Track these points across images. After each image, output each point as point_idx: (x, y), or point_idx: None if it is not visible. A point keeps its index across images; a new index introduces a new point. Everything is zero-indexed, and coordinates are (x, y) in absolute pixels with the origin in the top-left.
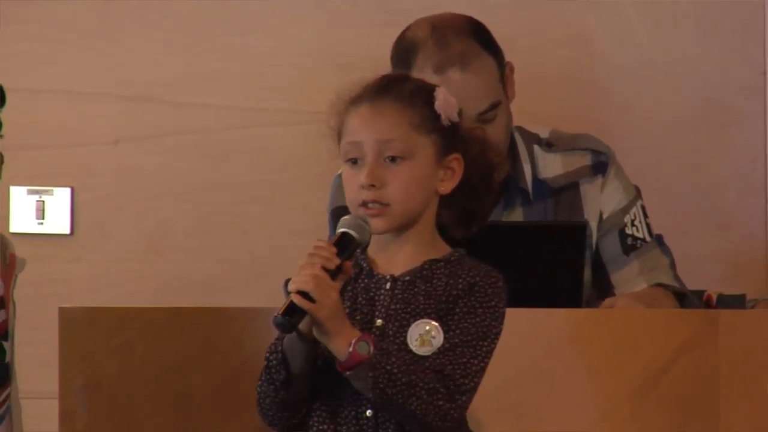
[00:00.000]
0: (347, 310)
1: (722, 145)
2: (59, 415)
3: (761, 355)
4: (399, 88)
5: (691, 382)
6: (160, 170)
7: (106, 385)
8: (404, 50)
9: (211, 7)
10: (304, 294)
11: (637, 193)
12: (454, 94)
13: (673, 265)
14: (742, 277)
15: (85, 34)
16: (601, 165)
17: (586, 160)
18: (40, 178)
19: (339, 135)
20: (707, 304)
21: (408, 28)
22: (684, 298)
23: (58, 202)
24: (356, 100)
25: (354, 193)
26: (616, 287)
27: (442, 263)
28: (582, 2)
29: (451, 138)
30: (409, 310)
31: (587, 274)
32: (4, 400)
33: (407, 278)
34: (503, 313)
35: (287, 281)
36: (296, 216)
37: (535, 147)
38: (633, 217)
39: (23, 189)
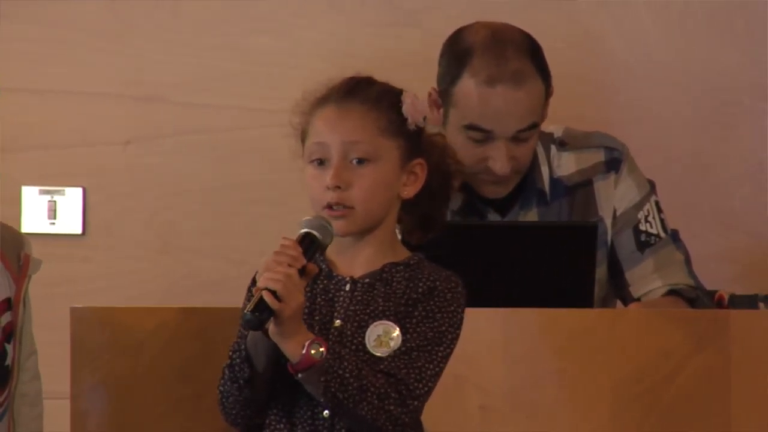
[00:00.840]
0: (306, 311)
1: (730, 145)
2: (71, 415)
3: None
4: (366, 90)
5: (703, 382)
6: (171, 170)
7: (118, 386)
8: (460, 51)
9: (222, 7)
10: (273, 293)
11: (651, 189)
12: (500, 107)
13: (688, 261)
14: (750, 276)
15: (96, 35)
16: (614, 161)
17: (600, 156)
18: (51, 178)
19: (303, 135)
20: (719, 304)
21: (465, 30)
22: (696, 302)
23: (70, 202)
24: (322, 101)
25: (318, 194)
26: (631, 285)
27: (401, 266)
28: (593, 2)
29: (415, 143)
30: (368, 311)
31: (603, 272)
32: (1, 403)
33: (367, 280)
34: (461, 319)
35: (254, 278)
36: (305, 216)
37: (552, 147)
38: (647, 213)
39: (35, 189)
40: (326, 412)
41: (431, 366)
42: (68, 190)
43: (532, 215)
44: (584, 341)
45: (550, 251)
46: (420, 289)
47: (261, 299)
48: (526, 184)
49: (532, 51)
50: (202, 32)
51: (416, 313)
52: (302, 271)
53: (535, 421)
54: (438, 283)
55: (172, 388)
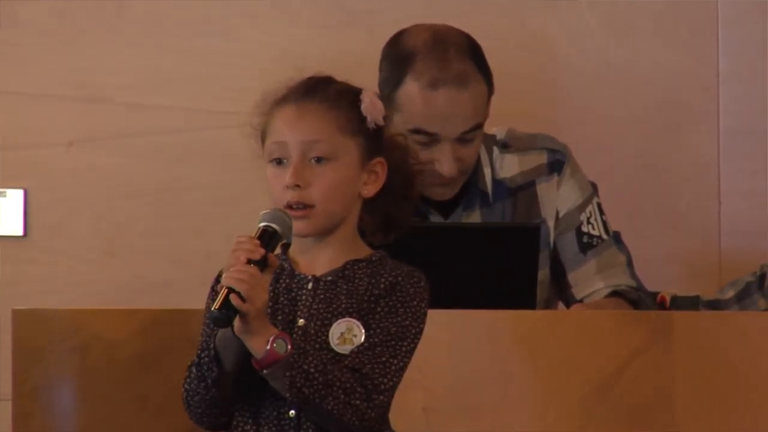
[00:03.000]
0: (269, 311)
1: (677, 146)
2: (12, 417)
3: (715, 356)
4: (325, 89)
5: (646, 382)
6: (116, 172)
7: (62, 387)
8: (401, 55)
9: (168, 8)
10: (237, 293)
11: (594, 191)
12: (444, 110)
13: (630, 263)
14: (695, 278)
15: (40, 35)
16: (557, 163)
17: (543, 158)
18: None
19: (263, 135)
20: (661, 305)
21: (406, 33)
22: (639, 303)
23: (12, 204)
24: (281, 101)
25: (278, 194)
26: (573, 286)
27: (363, 263)
28: (538, 4)
29: (375, 142)
30: (331, 309)
31: (545, 273)
32: None
33: (329, 278)
34: (425, 313)
35: (218, 276)
36: (254, 218)
37: (494, 149)
38: (589, 215)
39: None
40: (292, 411)
41: (395, 361)
42: (10, 191)
43: (474, 217)
44: (528, 343)
45: (492, 253)
46: (382, 285)
47: (227, 297)
48: (468, 185)
49: (473, 52)
50: (148, 33)
51: (379, 309)
52: (263, 264)
53: (479, 423)
54: (400, 278)
55: (117, 390)
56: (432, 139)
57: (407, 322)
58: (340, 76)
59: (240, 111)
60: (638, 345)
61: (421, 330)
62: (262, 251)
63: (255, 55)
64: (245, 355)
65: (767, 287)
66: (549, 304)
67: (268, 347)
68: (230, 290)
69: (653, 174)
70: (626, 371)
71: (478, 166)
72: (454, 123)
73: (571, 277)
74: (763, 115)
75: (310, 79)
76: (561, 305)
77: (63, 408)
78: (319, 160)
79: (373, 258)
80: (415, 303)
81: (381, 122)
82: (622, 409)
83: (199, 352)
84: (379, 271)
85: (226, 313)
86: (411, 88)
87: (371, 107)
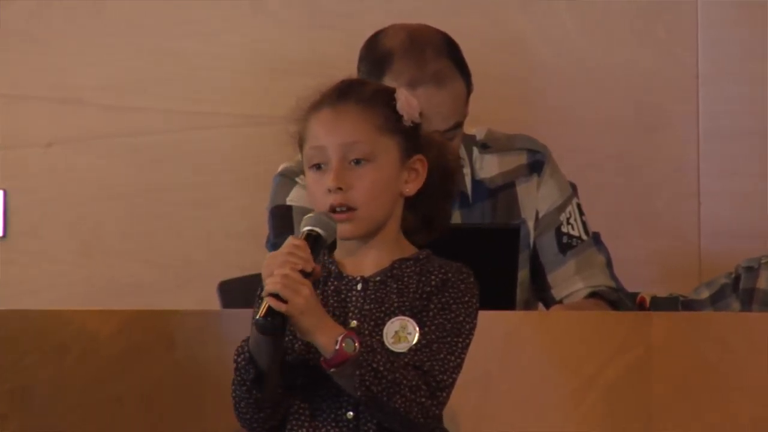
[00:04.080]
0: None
1: (655, 148)
2: None
3: (694, 358)
4: (359, 90)
5: (626, 383)
6: (94, 173)
7: (38, 389)
8: (378, 56)
9: (145, 10)
10: (275, 295)
11: (573, 192)
12: (423, 109)
13: (609, 263)
14: (674, 279)
15: (18, 37)
16: (537, 164)
17: (522, 159)
18: None
19: (301, 141)
20: (641, 306)
21: (383, 34)
22: (618, 304)
23: None
24: (317, 106)
25: (321, 199)
26: (553, 287)
27: (411, 262)
28: (515, 6)
29: (413, 139)
30: (383, 309)
31: (525, 274)
32: None
33: (378, 278)
34: (476, 309)
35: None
36: (232, 219)
37: (474, 149)
38: (569, 216)
39: None
40: (350, 413)
41: (453, 357)
42: None
43: (454, 218)
44: (507, 343)
45: (472, 253)
46: (433, 282)
47: (268, 304)
48: None
49: (450, 51)
50: (126, 35)
51: (432, 306)
52: (308, 275)
53: (458, 424)
54: (450, 274)
55: (94, 392)
56: None
57: (461, 318)
58: (317, 77)
59: (218, 112)
60: (618, 346)
61: (475, 325)
62: (314, 264)
63: (233, 57)
64: (280, 352)
65: (741, 289)
66: (529, 305)
67: (337, 347)
68: (271, 295)
69: (632, 175)
70: (606, 372)
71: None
72: (433, 122)
73: (551, 277)
74: (742, 117)
75: (343, 82)
76: (541, 306)
77: (40, 409)
78: (358, 161)
79: (420, 256)
80: (466, 299)
81: (418, 119)
82: (602, 410)
83: (235, 357)
84: (428, 268)
85: (272, 320)
86: None
87: (407, 105)
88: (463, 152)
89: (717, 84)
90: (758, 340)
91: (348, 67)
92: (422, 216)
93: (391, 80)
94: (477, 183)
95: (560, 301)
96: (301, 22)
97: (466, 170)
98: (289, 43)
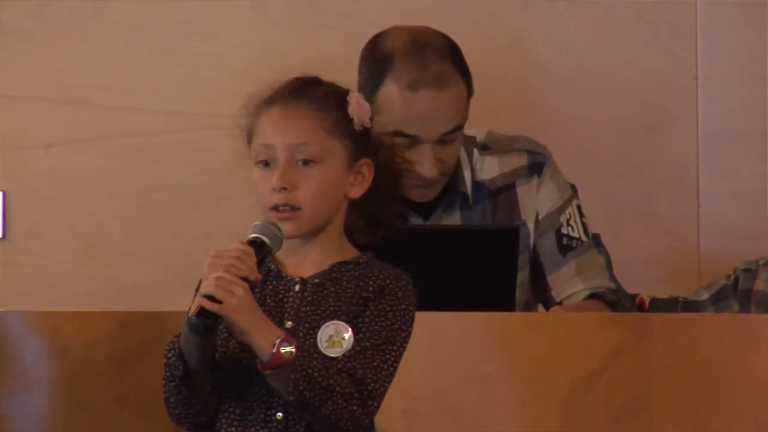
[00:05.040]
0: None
1: (655, 148)
2: None
3: (694, 359)
4: (312, 90)
5: (625, 385)
6: (95, 174)
7: (40, 390)
8: (380, 57)
9: (148, 10)
10: (210, 297)
11: (573, 193)
12: (424, 111)
13: (609, 265)
14: (674, 280)
15: (19, 37)
16: (537, 165)
17: (523, 160)
18: None
19: (250, 136)
20: (640, 307)
21: (385, 35)
22: (618, 305)
23: None
24: (268, 102)
25: (265, 196)
26: (552, 288)
27: (351, 265)
28: (517, 5)
29: (362, 143)
30: (319, 312)
31: (525, 275)
32: None
33: (316, 280)
34: (413, 317)
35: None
36: (234, 219)
37: (474, 151)
38: (569, 217)
39: None
40: (280, 414)
41: (386, 366)
42: None
43: (454, 219)
44: (507, 345)
45: (472, 255)
46: (371, 288)
47: (200, 304)
48: (448, 187)
49: (452, 53)
50: (127, 35)
51: (368, 313)
52: (247, 281)
53: (458, 425)
54: (389, 281)
55: (97, 393)
56: (412, 141)
57: (396, 326)
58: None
59: (219, 113)
60: (617, 347)
61: (410, 334)
62: (257, 274)
63: (234, 57)
64: (209, 350)
65: (740, 290)
66: (528, 306)
67: (274, 350)
68: (205, 297)
69: (632, 176)
70: (605, 373)
71: (457, 168)
72: (434, 124)
73: (551, 279)
74: (742, 117)
75: (296, 79)
76: (540, 307)
77: (41, 411)
78: (306, 162)
79: (361, 260)
80: (403, 306)
81: (368, 123)
82: (602, 411)
83: (165, 352)
84: (367, 273)
85: (204, 320)
86: (390, 91)
87: (358, 108)
88: (463, 153)
89: (717, 84)
90: (758, 341)
91: (348, 67)
92: (367, 217)
93: (392, 82)
94: (477, 184)
95: (560, 303)
96: (302, 22)
97: (466, 172)
98: (289, 43)
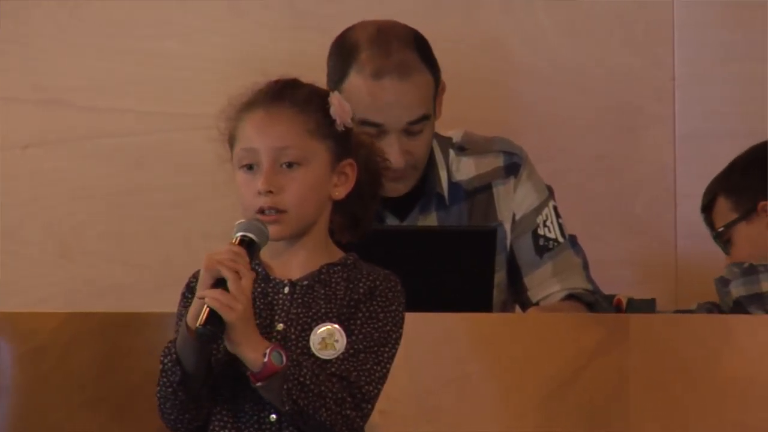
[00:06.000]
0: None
1: (633, 149)
2: None
3: (671, 359)
4: (293, 93)
5: (603, 385)
6: (72, 175)
7: (16, 391)
8: (346, 49)
9: (124, 10)
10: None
11: (550, 194)
12: (387, 99)
13: (586, 266)
14: (651, 281)
15: None
16: (513, 166)
17: (499, 161)
18: None
19: (231, 140)
20: (617, 308)
21: (351, 28)
22: (595, 306)
23: None
24: (250, 106)
25: (250, 200)
26: (529, 289)
27: (339, 267)
28: (493, 6)
29: (345, 143)
30: (310, 314)
31: (502, 276)
32: None
33: (305, 282)
34: (403, 318)
35: (189, 283)
36: (210, 220)
37: (450, 151)
38: (545, 218)
39: None
40: (273, 416)
41: (379, 368)
42: None
43: (431, 219)
44: (485, 346)
45: (449, 256)
46: (361, 290)
47: (211, 311)
48: (424, 188)
49: (417, 44)
50: (104, 36)
51: (359, 315)
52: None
53: (436, 426)
54: (378, 282)
55: (73, 394)
56: (379, 130)
57: (388, 328)
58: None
59: (195, 113)
60: (595, 348)
61: (401, 335)
62: (252, 275)
63: (210, 58)
64: (206, 354)
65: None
66: (505, 307)
67: (266, 359)
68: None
69: (609, 177)
70: (583, 374)
71: (433, 169)
72: (398, 113)
73: (528, 279)
74: (719, 118)
75: (276, 82)
76: (518, 308)
77: (17, 411)
78: (290, 165)
79: (348, 261)
80: (393, 308)
81: (350, 124)
82: (579, 412)
83: (161, 358)
84: (356, 275)
85: (211, 328)
86: (355, 80)
87: (340, 109)
88: (439, 154)
89: (694, 85)
90: (735, 342)
91: (323, 67)
92: (349, 217)
93: (357, 72)
94: (453, 185)
95: (537, 303)
96: (281, 24)
97: (443, 172)
98: (269, 44)
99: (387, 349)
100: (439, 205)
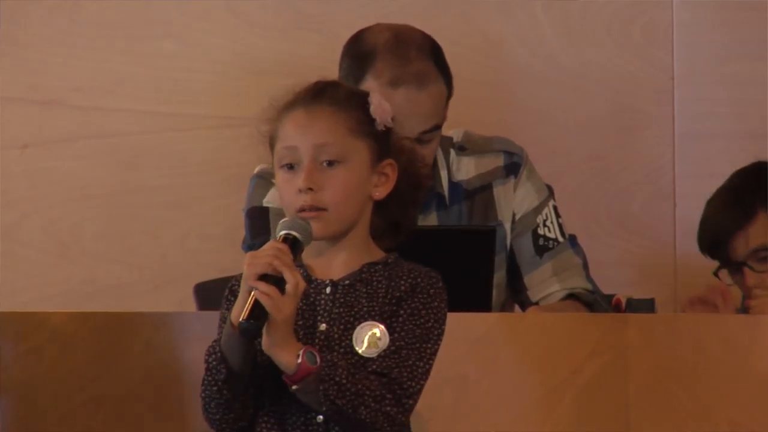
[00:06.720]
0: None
1: (631, 149)
2: None
3: (670, 359)
4: (333, 92)
5: (602, 385)
6: (70, 175)
7: (14, 391)
8: (363, 53)
9: (121, 11)
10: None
11: (550, 194)
12: (403, 109)
13: (585, 265)
14: (650, 281)
15: None
16: (513, 166)
17: (499, 161)
18: None
19: (272, 141)
20: (616, 308)
21: (367, 31)
22: (594, 306)
23: None
24: (290, 106)
25: (291, 198)
26: (529, 289)
27: (380, 266)
28: (492, 7)
29: (384, 143)
30: (352, 313)
31: (501, 276)
32: None
33: (347, 282)
34: (445, 314)
35: (231, 286)
36: (207, 220)
37: (451, 151)
38: (545, 218)
39: None
40: (320, 417)
41: (421, 363)
42: None
43: (431, 219)
44: (484, 345)
45: (448, 255)
46: (402, 287)
47: (255, 304)
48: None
49: (434, 52)
50: (101, 36)
51: (401, 312)
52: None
53: (435, 425)
54: (419, 279)
55: (71, 394)
56: None
57: (430, 324)
58: (293, 79)
59: (193, 114)
60: (594, 347)
61: (443, 331)
62: (292, 261)
63: (209, 59)
64: (252, 352)
65: None
66: (505, 307)
67: (299, 360)
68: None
69: (608, 177)
70: (582, 373)
71: (434, 169)
72: (412, 122)
73: (527, 279)
74: (718, 118)
75: (317, 83)
76: (517, 308)
77: (16, 411)
78: (330, 163)
79: (389, 260)
80: (435, 304)
81: (390, 124)
82: (578, 411)
83: (206, 357)
84: (398, 273)
85: (255, 322)
86: (371, 87)
87: (380, 109)
88: (440, 154)
89: (693, 86)
90: (733, 342)
91: (324, 69)
92: (390, 221)
93: (373, 78)
94: (454, 185)
95: (536, 303)
96: (278, 24)
97: (443, 172)
98: (265, 45)
99: (429, 345)
100: (440, 204)
